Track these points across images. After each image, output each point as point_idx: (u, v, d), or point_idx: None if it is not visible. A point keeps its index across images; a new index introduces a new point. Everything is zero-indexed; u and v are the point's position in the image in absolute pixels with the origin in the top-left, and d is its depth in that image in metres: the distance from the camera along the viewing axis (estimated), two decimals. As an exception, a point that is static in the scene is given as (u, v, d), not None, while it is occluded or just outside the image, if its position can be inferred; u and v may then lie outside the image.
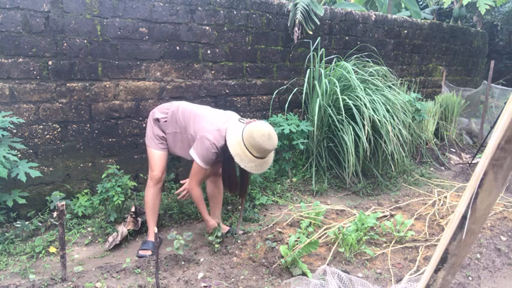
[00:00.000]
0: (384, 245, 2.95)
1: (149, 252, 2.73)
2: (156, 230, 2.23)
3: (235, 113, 2.79)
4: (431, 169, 5.02)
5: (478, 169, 0.91)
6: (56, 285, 2.27)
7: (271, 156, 2.61)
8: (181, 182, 2.85)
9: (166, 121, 2.75)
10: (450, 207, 3.74)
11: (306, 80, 4.43)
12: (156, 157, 2.77)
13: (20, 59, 2.99)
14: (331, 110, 4.13)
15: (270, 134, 2.45)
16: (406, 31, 5.60)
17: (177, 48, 3.65)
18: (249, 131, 2.45)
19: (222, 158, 2.62)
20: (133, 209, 3.08)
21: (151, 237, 2.84)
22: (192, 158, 2.73)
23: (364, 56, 4.88)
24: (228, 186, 2.76)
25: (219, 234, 2.76)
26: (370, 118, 3.89)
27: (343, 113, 3.95)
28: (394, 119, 4.13)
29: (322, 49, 4.47)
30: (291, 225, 3.20)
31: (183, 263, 2.60)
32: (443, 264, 1.01)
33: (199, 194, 2.73)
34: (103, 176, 3.06)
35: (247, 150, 2.45)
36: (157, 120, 2.76)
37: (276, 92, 4.39)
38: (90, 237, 2.97)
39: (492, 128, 5.31)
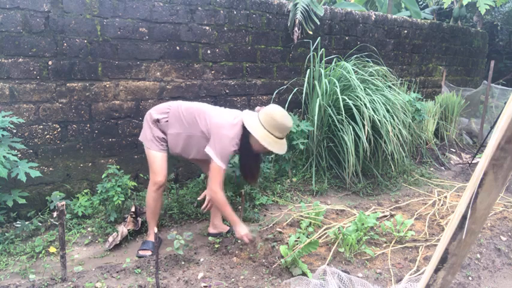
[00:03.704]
0: (384, 245, 2.95)
1: (149, 252, 2.73)
2: (156, 230, 2.23)
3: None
4: (431, 169, 5.02)
5: (478, 169, 0.91)
6: (56, 285, 2.27)
7: (285, 138, 2.72)
8: (198, 198, 2.80)
9: (167, 121, 2.71)
10: (450, 207, 3.74)
11: (306, 80, 4.43)
12: (159, 160, 2.72)
13: (20, 59, 2.99)
14: (331, 110, 4.13)
15: (286, 113, 2.57)
16: (406, 31, 5.60)
17: (177, 48, 3.65)
18: (267, 115, 2.52)
19: (240, 150, 2.65)
20: (133, 209, 3.08)
21: (151, 238, 2.84)
22: (192, 156, 2.72)
23: (364, 56, 4.88)
24: (250, 177, 2.83)
25: (255, 233, 2.75)
26: (370, 118, 3.89)
27: (343, 113, 3.95)
28: (394, 119, 4.13)
29: (322, 49, 4.47)
30: (291, 225, 3.20)
31: (183, 263, 2.60)
32: (443, 264, 1.02)
33: (223, 197, 2.62)
34: (103, 176, 3.06)
35: (270, 133, 2.52)
36: (157, 121, 2.71)
37: (276, 92, 4.39)
38: (90, 237, 2.97)
39: (492, 128, 5.31)
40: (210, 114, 2.65)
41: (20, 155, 3.06)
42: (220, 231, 3.00)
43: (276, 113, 2.52)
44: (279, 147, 2.57)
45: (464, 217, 0.94)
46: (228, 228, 3.02)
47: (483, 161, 0.89)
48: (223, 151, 2.53)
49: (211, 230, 3.03)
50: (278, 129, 2.51)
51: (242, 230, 2.63)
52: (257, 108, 2.67)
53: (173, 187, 3.67)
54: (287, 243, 2.75)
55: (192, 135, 2.67)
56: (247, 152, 2.65)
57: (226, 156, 2.56)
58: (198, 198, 2.77)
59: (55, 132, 3.22)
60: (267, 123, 2.51)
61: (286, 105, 4.45)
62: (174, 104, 2.79)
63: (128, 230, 2.96)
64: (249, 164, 2.75)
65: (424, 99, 5.98)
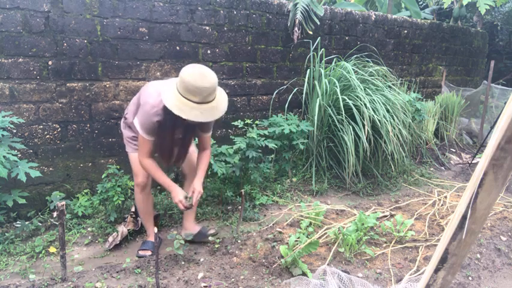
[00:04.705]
0: (384, 245, 2.95)
1: (149, 252, 2.73)
2: (156, 230, 2.23)
3: None
4: (431, 169, 5.02)
5: (478, 169, 0.91)
6: (56, 285, 2.27)
7: (220, 101, 2.30)
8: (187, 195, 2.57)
9: (127, 113, 2.67)
10: (450, 207, 3.74)
11: (306, 80, 4.43)
12: (135, 160, 2.65)
13: (20, 59, 2.99)
14: (331, 110, 4.13)
15: (201, 71, 2.17)
16: (406, 31, 5.60)
17: (177, 48, 3.65)
18: (179, 77, 2.19)
19: (163, 122, 2.35)
20: (133, 209, 3.07)
21: (151, 238, 2.84)
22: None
23: (364, 56, 4.88)
24: (160, 153, 2.51)
25: (190, 201, 2.46)
26: (370, 118, 3.89)
27: (343, 113, 3.95)
28: (394, 119, 4.13)
29: (322, 49, 4.47)
30: (291, 225, 3.20)
31: (183, 263, 2.60)
32: (443, 264, 1.02)
33: (149, 163, 2.47)
34: (103, 176, 3.06)
35: (184, 97, 2.17)
36: (125, 119, 2.70)
37: (276, 92, 4.39)
38: (90, 237, 2.97)
39: (492, 128, 5.31)
40: (148, 86, 2.49)
41: (20, 155, 3.06)
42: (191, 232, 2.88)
43: (185, 73, 2.15)
44: (202, 114, 2.17)
45: (464, 217, 0.94)
46: (199, 229, 2.86)
47: (483, 161, 0.89)
48: (144, 119, 2.34)
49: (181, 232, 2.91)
50: (191, 92, 2.14)
51: (176, 196, 2.44)
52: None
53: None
54: (287, 243, 2.75)
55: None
56: (175, 122, 2.31)
57: (147, 127, 2.35)
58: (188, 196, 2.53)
59: (55, 132, 3.21)
60: (180, 86, 2.17)
61: (286, 105, 4.45)
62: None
63: (128, 230, 2.96)
64: (165, 138, 2.40)
65: (424, 99, 5.98)
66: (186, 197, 2.46)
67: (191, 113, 2.16)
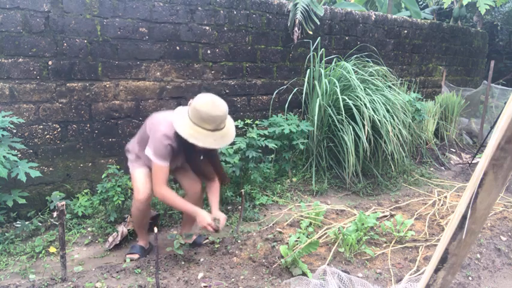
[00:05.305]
0: (384, 245, 2.95)
1: (136, 256, 2.68)
2: (156, 230, 2.22)
3: None
4: (431, 169, 5.02)
5: (478, 169, 0.91)
6: (56, 285, 2.27)
7: (230, 128, 2.41)
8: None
9: (131, 144, 2.70)
10: (450, 207, 3.74)
11: (306, 80, 4.43)
12: (139, 176, 2.58)
13: (20, 59, 2.99)
14: (331, 110, 4.13)
15: (213, 100, 2.29)
16: (406, 31, 5.60)
17: (177, 48, 3.65)
18: (191, 107, 2.30)
19: (182, 149, 2.43)
20: (133, 209, 3.08)
21: (140, 242, 2.78)
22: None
23: (364, 56, 4.88)
24: (202, 176, 2.61)
25: (218, 223, 2.47)
26: (370, 118, 3.89)
27: (343, 113, 3.95)
28: (394, 119, 4.13)
29: (322, 49, 4.47)
30: (291, 225, 3.20)
31: (183, 263, 2.60)
32: (443, 264, 1.02)
33: (168, 192, 2.44)
34: (103, 176, 3.06)
35: (198, 126, 2.27)
36: (128, 151, 2.71)
37: (276, 92, 4.39)
38: (90, 237, 2.97)
39: (492, 128, 5.31)
40: (157, 115, 2.55)
41: (20, 155, 3.06)
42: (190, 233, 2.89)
43: (198, 103, 2.27)
44: (216, 142, 2.29)
45: (464, 217, 0.94)
46: (195, 238, 2.88)
47: (483, 161, 0.89)
48: (157, 147, 2.36)
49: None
50: (205, 120, 2.24)
51: (204, 220, 2.42)
52: (190, 101, 2.39)
53: (173, 187, 3.66)
54: (287, 243, 2.75)
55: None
56: (188, 149, 2.41)
57: (161, 152, 2.37)
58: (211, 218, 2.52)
59: (55, 132, 3.21)
60: (193, 115, 2.28)
61: (286, 105, 4.45)
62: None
63: (128, 230, 2.96)
64: (194, 162, 2.51)
65: (424, 99, 5.98)
66: (214, 219, 2.47)
67: (206, 141, 2.26)
